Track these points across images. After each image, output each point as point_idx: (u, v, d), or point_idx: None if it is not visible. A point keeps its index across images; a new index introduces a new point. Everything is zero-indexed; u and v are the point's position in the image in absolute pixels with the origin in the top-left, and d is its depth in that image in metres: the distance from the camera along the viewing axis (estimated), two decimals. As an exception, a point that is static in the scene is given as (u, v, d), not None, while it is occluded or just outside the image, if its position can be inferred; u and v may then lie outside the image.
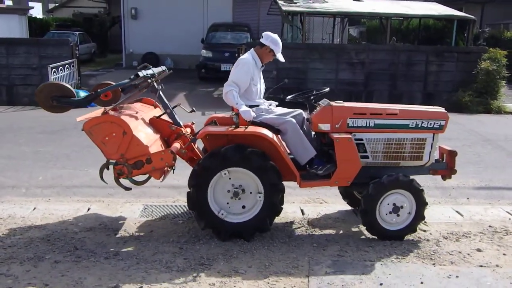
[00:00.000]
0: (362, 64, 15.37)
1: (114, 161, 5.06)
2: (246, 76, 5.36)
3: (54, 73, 13.69)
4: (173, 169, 5.34)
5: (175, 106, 5.67)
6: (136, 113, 5.39)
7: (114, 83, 5.49)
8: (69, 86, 5.35)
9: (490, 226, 5.75)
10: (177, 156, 5.28)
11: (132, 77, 5.23)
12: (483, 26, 22.89)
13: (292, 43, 17.16)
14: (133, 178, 5.26)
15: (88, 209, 6.03)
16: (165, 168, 5.15)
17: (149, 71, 5.40)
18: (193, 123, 5.95)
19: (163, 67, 5.94)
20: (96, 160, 6.39)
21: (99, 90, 5.24)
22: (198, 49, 20.24)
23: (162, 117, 5.61)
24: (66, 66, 14.54)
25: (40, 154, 8.67)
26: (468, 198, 6.88)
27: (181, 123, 5.60)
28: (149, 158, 4.95)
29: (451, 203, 6.67)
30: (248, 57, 5.49)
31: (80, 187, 6.97)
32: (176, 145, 5.24)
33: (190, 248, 4.98)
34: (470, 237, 5.45)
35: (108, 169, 5.24)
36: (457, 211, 6.23)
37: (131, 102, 5.75)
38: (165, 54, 23.37)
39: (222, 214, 5.09)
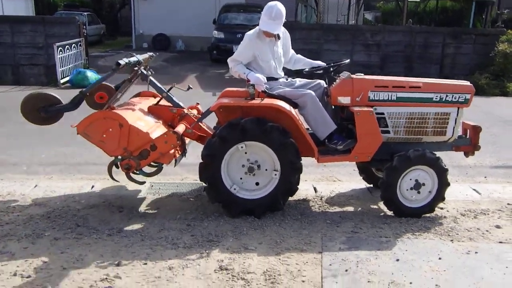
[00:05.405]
0: (377, 46, 15.08)
1: (119, 157, 4.80)
2: (246, 50, 5.10)
3: (61, 52, 13.47)
4: (184, 154, 5.17)
5: (170, 88, 5.44)
6: (133, 105, 5.19)
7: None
8: (53, 94, 5.09)
9: (508, 204, 5.60)
10: (186, 137, 5.13)
11: (113, 67, 4.96)
12: (501, 9, 22.33)
13: (307, 23, 16.80)
14: (144, 170, 5.00)
15: (92, 187, 5.83)
16: (174, 153, 4.91)
17: (133, 59, 5.15)
18: (198, 104, 5.76)
19: (150, 53, 5.66)
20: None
21: (83, 90, 4.97)
22: (210, 30, 19.80)
23: (161, 102, 5.38)
24: (73, 45, 14.28)
25: (44, 132, 8.41)
26: (485, 177, 6.70)
27: (181, 104, 5.36)
28: (153, 145, 4.68)
29: (468, 181, 6.50)
30: (251, 32, 5.19)
31: (85, 164, 6.76)
32: (181, 126, 5.03)
33: (197, 225, 4.77)
34: (488, 214, 5.28)
35: (117, 167, 4.98)
36: (474, 189, 6.06)
37: (132, 97, 5.61)
38: (176, 36, 23.01)
39: (235, 189, 4.90)
